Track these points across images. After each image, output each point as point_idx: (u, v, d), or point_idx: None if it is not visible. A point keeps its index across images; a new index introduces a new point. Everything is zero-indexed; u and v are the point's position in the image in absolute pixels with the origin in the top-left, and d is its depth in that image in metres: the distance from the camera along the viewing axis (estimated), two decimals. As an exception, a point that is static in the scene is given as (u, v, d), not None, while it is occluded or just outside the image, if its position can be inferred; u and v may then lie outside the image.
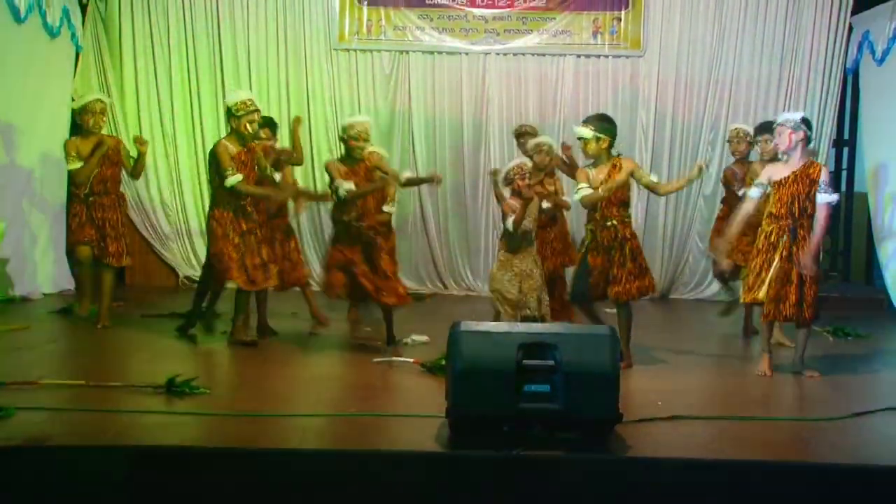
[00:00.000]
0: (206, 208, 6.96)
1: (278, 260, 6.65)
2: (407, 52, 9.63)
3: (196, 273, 8.60)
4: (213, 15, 9.48)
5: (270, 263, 6.31)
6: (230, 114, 6.11)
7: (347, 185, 6.08)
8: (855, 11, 9.32)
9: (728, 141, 7.53)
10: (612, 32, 9.58)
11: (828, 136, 9.57)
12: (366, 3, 9.56)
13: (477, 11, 9.58)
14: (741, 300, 6.20)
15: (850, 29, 9.37)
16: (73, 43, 8.95)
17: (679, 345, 6.82)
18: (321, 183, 9.49)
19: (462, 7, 9.56)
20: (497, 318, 6.25)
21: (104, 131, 7.26)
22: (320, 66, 9.59)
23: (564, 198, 7.02)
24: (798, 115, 5.71)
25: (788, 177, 5.62)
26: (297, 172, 9.04)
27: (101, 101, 7.15)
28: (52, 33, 8.35)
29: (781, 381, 5.64)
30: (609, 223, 5.87)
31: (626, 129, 9.51)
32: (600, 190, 5.80)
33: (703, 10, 9.53)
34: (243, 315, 6.29)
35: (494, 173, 6.98)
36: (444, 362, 4.36)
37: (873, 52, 8.84)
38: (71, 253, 7.73)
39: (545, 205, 6.61)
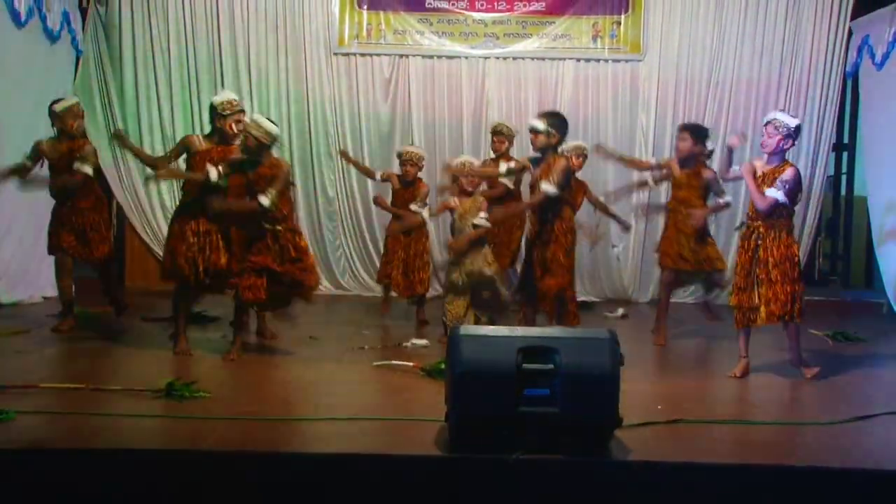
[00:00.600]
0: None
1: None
2: (406, 56, 9.60)
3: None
4: (213, 19, 9.47)
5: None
6: (216, 113, 6.04)
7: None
8: (854, 16, 9.31)
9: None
10: (611, 36, 9.58)
11: (827, 141, 9.56)
12: (365, 7, 9.56)
13: (476, 15, 9.57)
14: (729, 302, 6.09)
15: (850, 33, 9.36)
16: (74, 47, 8.96)
17: (679, 348, 6.83)
18: (321, 187, 9.55)
19: (462, 11, 9.55)
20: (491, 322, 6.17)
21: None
22: (320, 70, 9.57)
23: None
24: (794, 123, 5.60)
25: (759, 176, 5.59)
26: (297, 176, 9.14)
27: (80, 104, 6.93)
28: (53, 37, 8.36)
29: (781, 384, 5.64)
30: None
31: (626, 132, 9.55)
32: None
33: (702, 13, 9.52)
34: (183, 315, 6.12)
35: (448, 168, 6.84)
36: (443, 366, 4.36)
37: (873, 57, 8.84)
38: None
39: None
